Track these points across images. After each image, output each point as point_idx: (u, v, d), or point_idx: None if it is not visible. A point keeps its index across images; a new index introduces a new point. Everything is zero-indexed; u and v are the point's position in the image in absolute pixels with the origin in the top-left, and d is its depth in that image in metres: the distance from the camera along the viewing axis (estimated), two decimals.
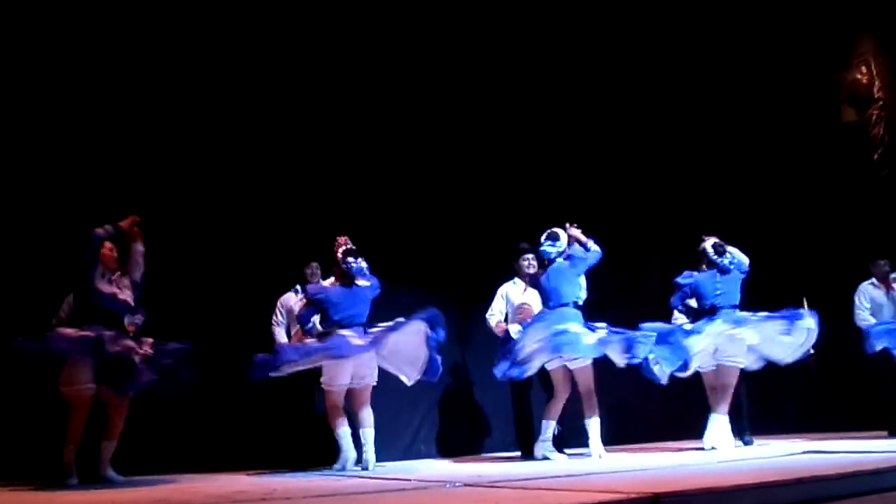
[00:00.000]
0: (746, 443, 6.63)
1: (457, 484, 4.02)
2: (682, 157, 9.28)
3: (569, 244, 6.17)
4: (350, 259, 5.69)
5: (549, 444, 6.05)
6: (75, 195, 5.90)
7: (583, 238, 6.16)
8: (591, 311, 8.06)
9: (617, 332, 5.99)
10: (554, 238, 6.14)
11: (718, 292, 6.31)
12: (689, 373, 6.29)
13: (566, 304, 6.04)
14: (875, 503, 3.58)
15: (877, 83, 8.87)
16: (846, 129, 9.10)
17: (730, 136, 9.37)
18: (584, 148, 8.59)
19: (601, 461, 5.57)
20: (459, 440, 7.37)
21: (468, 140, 7.83)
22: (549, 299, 6.08)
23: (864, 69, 9.00)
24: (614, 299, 8.57)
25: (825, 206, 9.02)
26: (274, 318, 6.41)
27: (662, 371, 6.15)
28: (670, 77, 9.10)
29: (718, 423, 6.23)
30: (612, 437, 7.78)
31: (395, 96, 7.42)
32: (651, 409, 8.58)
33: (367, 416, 5.72)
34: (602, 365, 8.09)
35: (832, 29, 8.94)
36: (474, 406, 7.57)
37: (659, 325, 6.19)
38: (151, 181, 6.14)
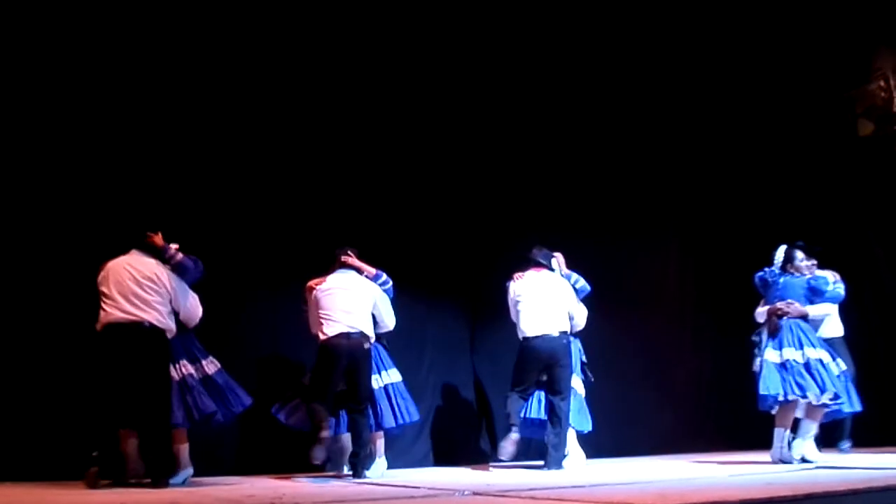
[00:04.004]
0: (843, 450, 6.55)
1: (465, 493, 4.03)
2: (702, 169, 9.29)
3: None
4: None
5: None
6: (91, 196, 5.90)
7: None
8: (611, 310, 8.12)
9: None
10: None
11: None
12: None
13: None
14: None
15: None
16: (863, 142, 9.10)
17: (750, 148, 9.39)
18: (601, 153, 8.56)
19: (610, 473, 5.55)
20: (470, 448, 7.35)
21: (480, 142, 7.75)
22: None
23: (882, 83, 8.98)
24: (627, 300, 8.60)
25: (845, 219, 9.03)
26: None
27: None
28: (694, 85, 9.09)
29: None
30: (624, 449, 7.79)
31: (405, 101, 7.36)
32: (664, 419, 8.57)
33: None
34: (617, 374, 8.13)
35: (850, 43, 8.93)
36: (485, 413, 7.55)
37: None
38: (151, 183, 6.05)
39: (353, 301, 5.74)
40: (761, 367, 6.12)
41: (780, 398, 5.98)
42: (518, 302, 6.27)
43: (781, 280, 6.32)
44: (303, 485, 5.06)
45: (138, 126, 6.12)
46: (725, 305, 9.22)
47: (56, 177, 5.81)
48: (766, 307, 6.34)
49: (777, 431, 6.16)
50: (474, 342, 7.58)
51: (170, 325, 5.10)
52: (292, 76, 6.85)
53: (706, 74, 9.12)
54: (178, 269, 5.15)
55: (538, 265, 6.35)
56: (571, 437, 6.44)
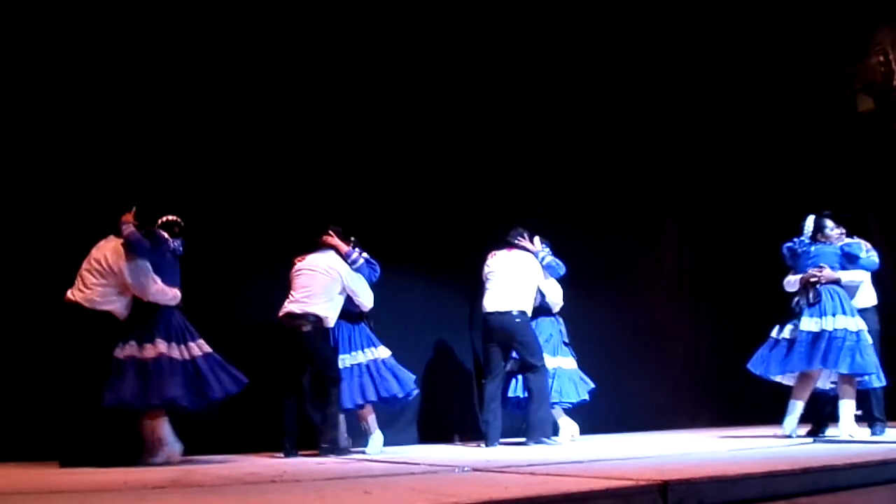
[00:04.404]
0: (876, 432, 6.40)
1: (465, 469, 4.04)
2: (699, 148, 9.29)
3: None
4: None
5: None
6: (91, 179, 5.87)
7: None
8: (610, 290, 8.08)
9: None
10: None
11: None
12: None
13: None
14: (883, 494, 3.58)
15: None
16: (862, 118, 9.08)
17: (748, 126, 9.37)
18: (600, 136, 8.57)
19: (609, 448, 5.58)
20: (468, 425, 7.39)
21: (486, 124, 7.78)
22: None
23: (881, 58, 8.95)
24: (625, 276, 8.62)
25: (844, 196, 9.03)
26: None
27: None
28: (690, 62, 9.07)
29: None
30: (623, 424, 7.85)
31: (408, 80, 7.37)
32: (663, 396, 8.61)
33: None
34: (616, 351, 8.17)
35: (849, 18, 8.89)
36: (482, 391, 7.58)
37: None
38: (151, 167, 6.03)
39: (313, 282, 5.80)
40: (798, 337, 6.07)
41: (803, 369, 5.99)
42: (487, 280, 6.46)
43: (813, 249, 6.32)
44: (303, 462, 5.08)
45: (135, 111, 6.09)
46: (722, 283, 9.26)
47: (54, 158, 5.79)
48: (797, 276, 6.31)
49: (792, 403, 6.16)
50: (473, 319, 7.60)
51: (110, 305, 5.19)
52: (289, 59, 6.81)
53: (703, 51, 9.10)
54: (126, 246, 5.21)
55: (510, 245, 6.53)
56: (560, 412, 6.70)
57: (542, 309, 6.68)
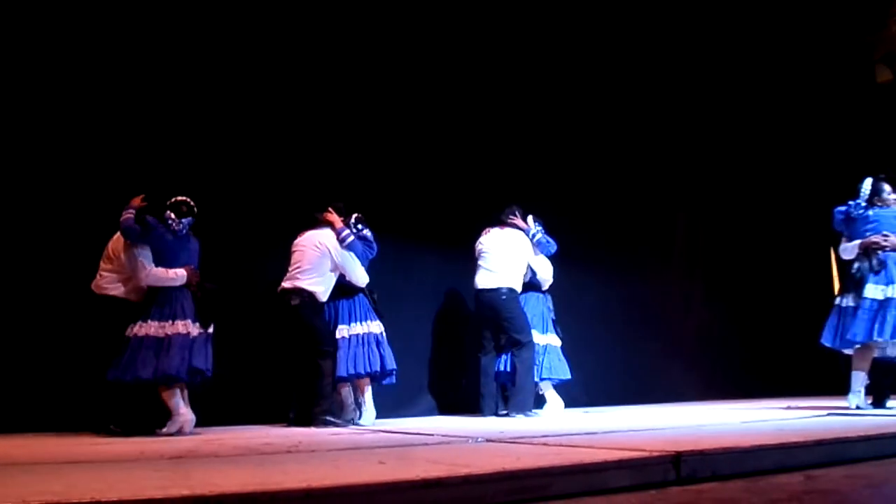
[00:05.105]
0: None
1: (479, 439, 4.07)
2: (712, 121, 9.21)
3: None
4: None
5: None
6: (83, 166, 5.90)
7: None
8: (624, 267, 8.05)
9: None
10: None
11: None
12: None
13: None
14: None
15: None
16: (881, 89, 8.97)
17: (766, 96, 9.28)
18: (609, 106, 8.52)
19: (622, 420, 5.60)
20: (476, 399, 7.41)
21: (489, 96, 7.76)
22: None
23: None
24: (638, 251, 8.60)
25: (861, 168, 8.96)
26: None
27: None
28: (702, 37, 8.98)
29: None
30: (636, 397, 7.87)
31: (407, 71, 7.35)
32: (676, 370, 8.62)
33: None
34: (630, 326, 8.17)
35: None
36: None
37: None
38: (160, 158, 6.07)
39: (304, 259, 5.87)
40: (862, 304, 5.80)
41: (865, 339, 5.74)
42: (480, 257, 6.56)
43: (871, 213, 6.05)
44: (317, 432, 5.13)
45: (151, 97, 6.12)
46: (735, 257, 9.24)
47: (72, 150, 5.84)
48: (854, 242, 6.03)
49: (855, 374, 5.94)
50: None
51: (116, 290, 5.44)
52: (301, 42, 6.81)
53: (719, 21, 8.99)
54: (122, 232, 5.37)
55: (503, 223, 6.61)
56: (549, 386, 6.78)
57: (530, 285, 6.74)
